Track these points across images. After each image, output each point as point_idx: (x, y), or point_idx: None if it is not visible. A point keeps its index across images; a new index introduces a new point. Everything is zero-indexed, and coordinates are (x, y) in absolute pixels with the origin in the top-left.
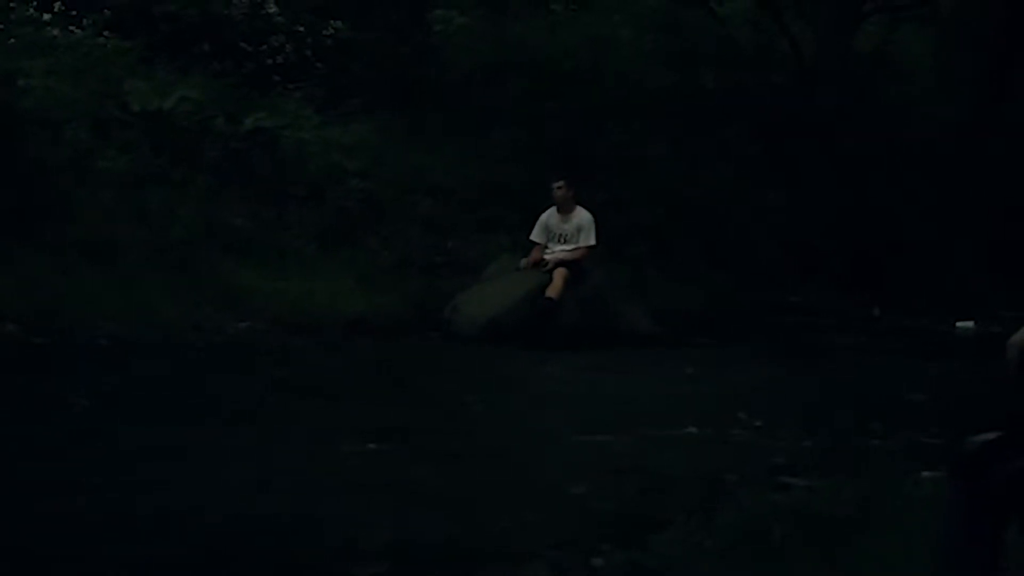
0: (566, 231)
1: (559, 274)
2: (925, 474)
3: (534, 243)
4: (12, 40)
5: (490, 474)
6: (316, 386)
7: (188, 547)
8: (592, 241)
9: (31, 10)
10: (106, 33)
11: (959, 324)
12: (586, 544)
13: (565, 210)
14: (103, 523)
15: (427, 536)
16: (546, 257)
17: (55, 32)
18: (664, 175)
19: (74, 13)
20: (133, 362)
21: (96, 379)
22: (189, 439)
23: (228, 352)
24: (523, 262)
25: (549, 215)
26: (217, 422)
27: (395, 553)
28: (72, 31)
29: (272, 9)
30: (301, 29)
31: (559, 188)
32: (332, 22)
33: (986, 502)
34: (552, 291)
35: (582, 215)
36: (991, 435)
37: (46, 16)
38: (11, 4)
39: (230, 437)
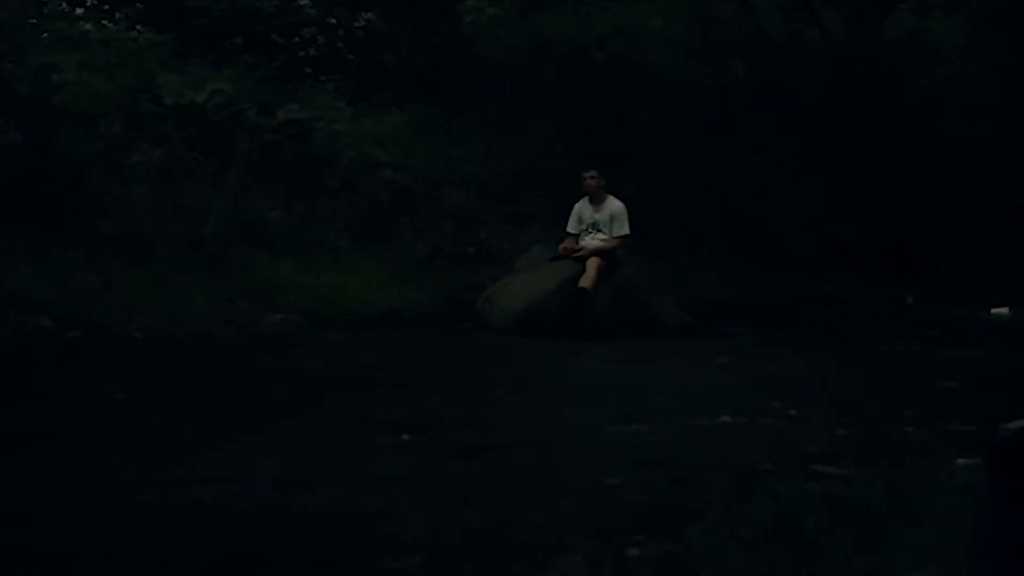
0: (599, 220)
1: (592, 264)
2: (960, 462)
3: (569, 234)
4: (45, 35)
5: (524, 465)
6: (350, 378)
7: (222, 539)
8: (626, 230)
9: (64, 5)
10: (139, 27)
11: (993, 311)
12: (620, 535)
13: (597, 200)
14: (140, 516)
15: (461, 528)
16: (580, 244)
17: (88, 26)
18: (696, 166)
19: (107, 7)
20: (167, 356)
21: (131, 373)
22: (224, 432)
23: (262, 345)
24: (560, 248)
25: (582, 205)
26: (251, 415)
27: (429, 545)
28: (105, 25)
29: (304, 1)
30: (333, 21)
31: (591, 178)
32: (363, 14)
33: (1021, 491)
34: (586, 282)
35: (614, 204)
36: None
37: (79, 10)
38: None
39: (264, 430)
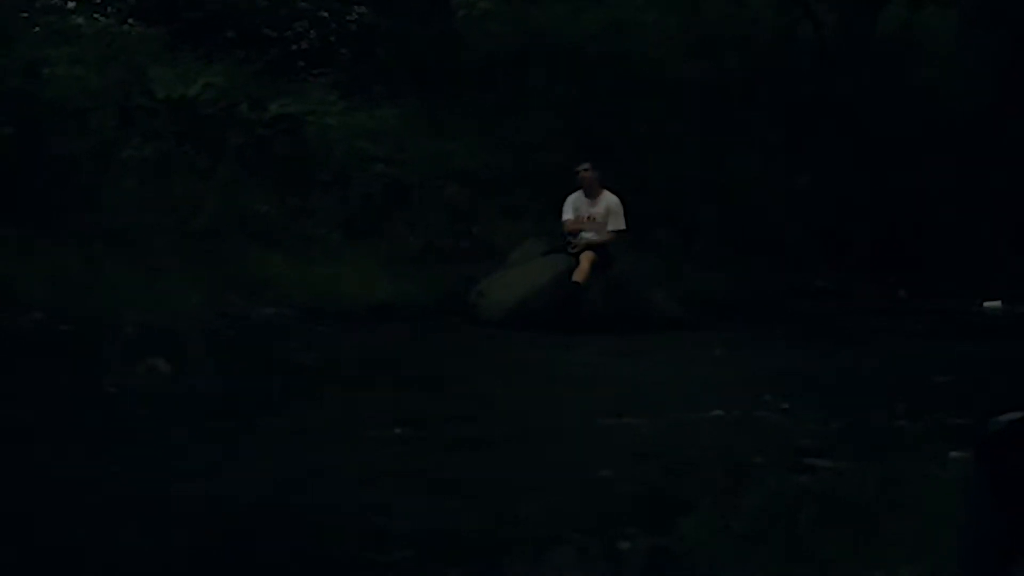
0: (595, 214)
1: (586, 258)
2: (952, 455)
3: (565, 224)
4: (36, 29)
5: (516, 459)
6: (342, 372)
7: (214, 534)
8: (622, 225)
9: None
10: (130, 21)
11: (986, 304)
12: (612, 528)
13: (592, 193)
14: (131, 511)
15: (453, 521)
16: (573, 240)
17: (79, 20)
18: (689, 160)
19: (98, 1)
20: (159, 350)
21: (122, 367)
22: (216, 427)
23: (254, 339)
24: (566, 225)
25: (577, 198)
26: (244, 409)
27: (421, 539)
28: (96, 19)
29: None
30: (325, 15)
31: (585, 171)
32: (356, 8)
33: (1011, 484)
34: (579, 275)
35: (610, 198)
36: (1017, 415)
37: (70, 4)
38: None
39: (256, 424)
